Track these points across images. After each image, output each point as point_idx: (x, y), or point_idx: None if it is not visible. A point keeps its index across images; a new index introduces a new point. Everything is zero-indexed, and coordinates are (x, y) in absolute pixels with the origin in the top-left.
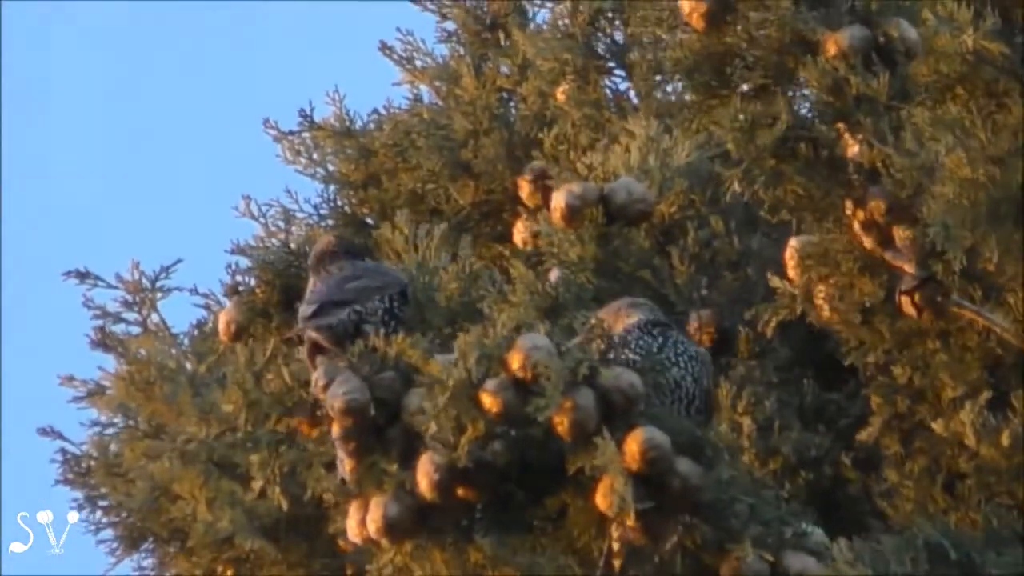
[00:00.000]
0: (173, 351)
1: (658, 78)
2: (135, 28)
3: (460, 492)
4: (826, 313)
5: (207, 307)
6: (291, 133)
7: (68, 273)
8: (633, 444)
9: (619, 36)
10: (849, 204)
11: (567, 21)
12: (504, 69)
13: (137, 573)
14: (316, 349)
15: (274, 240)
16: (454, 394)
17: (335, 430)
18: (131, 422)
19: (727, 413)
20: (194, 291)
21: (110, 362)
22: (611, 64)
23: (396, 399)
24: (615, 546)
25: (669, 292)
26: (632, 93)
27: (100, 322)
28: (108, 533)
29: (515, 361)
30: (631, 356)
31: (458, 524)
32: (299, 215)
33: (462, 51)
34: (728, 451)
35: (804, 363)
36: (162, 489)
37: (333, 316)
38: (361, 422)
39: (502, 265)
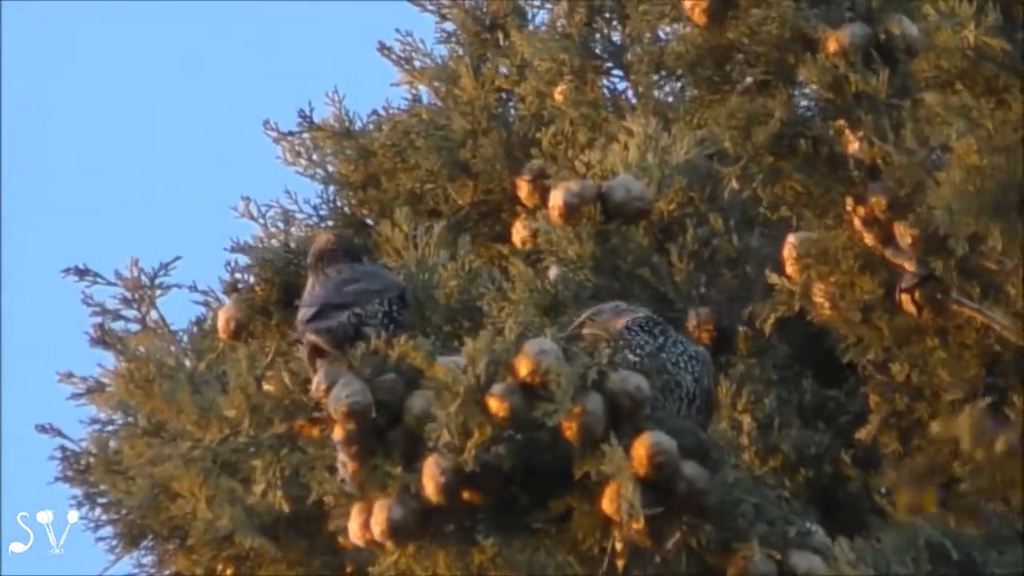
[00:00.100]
0: (172, 348)
1: (657, 77)
2: (135, 27)
3: (465, 495)
4: (826, 311)
5: (206, 304)
6: (291, 134)
7: (67, 270)
8: (641, 449)
9: (616, 36)
10: (849, 201)
11: (564, 21)
12: (503, 69)
13: (137, 570)
14: (316, 352)
15: (274, 241)
16: (463, 400)
17: (337, 433)
18: (130, 419)
19: (727, 411)
20: (193, 288)
21: (109, 359)
22: (608, 64)
23: (398, 401)
24: (618, 547)
25: (668, 290)
26: (630, 93)
27: (99, 319)
28: (107, 530)
29: (523, 366)
30: (631, 357)
31: (462, 526)
32: (299, 216)
33: (461, 52)
34: (729, 450)
35: (803, 361)
36: (162, 487)
37: (333, 319)
38: (363, 425)
39: (501, 264)
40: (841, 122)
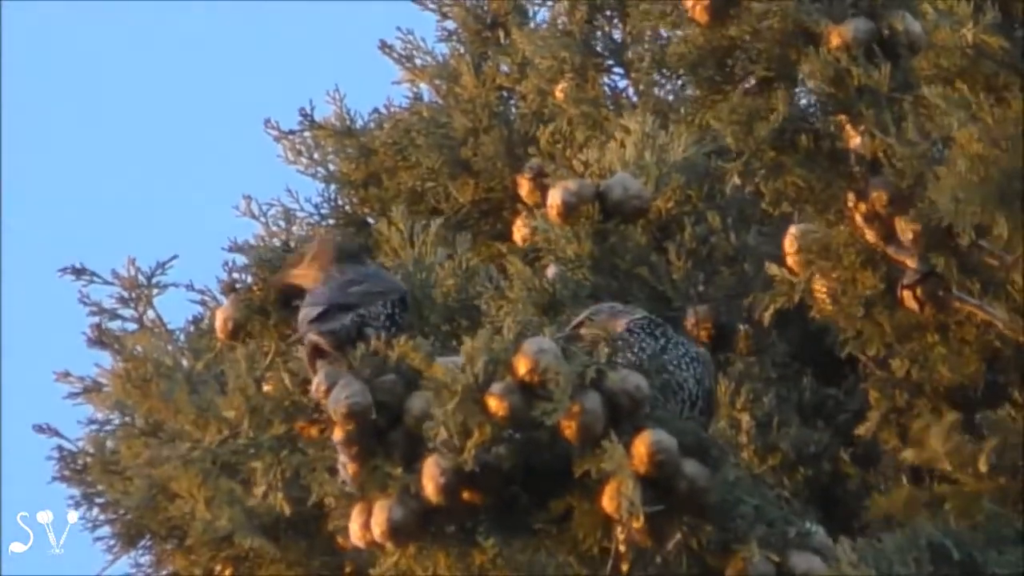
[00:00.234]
0: (169, 348)
1: (658, 76)
2: (134, 26)
3: (465, 495)
4: (827, 306)
5: (203, 303)
6: (292, 132)
7: (64, 269)
8: (641, 447)
9: (617, 34)
10: (851, 196)
11: (565, 19)
12: (504, 67)
13: (134, 570)
14: (316, 353)
15: (275, 240)
16: (461, 399)
17: (337, 434)
18: (128, 419)
19: (726, 409)
20: (190, 287)
21: (106, 359)
22: (609, 62)
23: (398, 402)
24: (621, 548)
25: (666, 288)
26: (631, 91)
27: (96, 319)
28: (105, 530)
29: (522, 365)
30: (631, 357)
31: (462, 527)
32: (300, 214)
33: (462, 50)
34: (729, 449)
35: (803, 359)
36: (160, 487)
37: (337, 321)
38: (363, 426)
39: (501, 263)
40: (843, 117)
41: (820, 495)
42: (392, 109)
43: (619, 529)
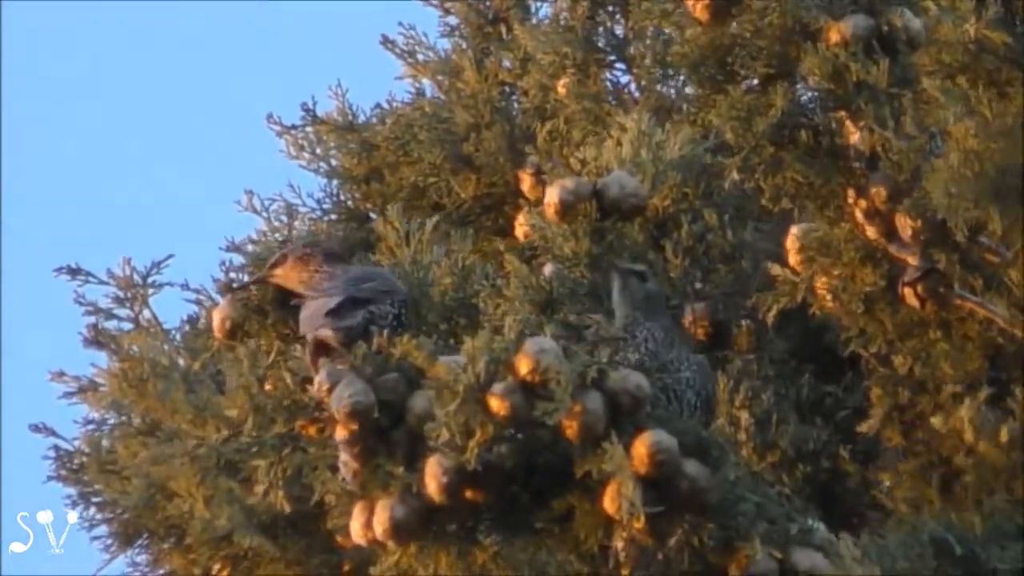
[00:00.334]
0: (166, 347)
1: (660, 73)
2: (135, 22)
3: (467, 494)
4: (828, 303)
5: (198, 303)
6: (294, 127)
7: (59, 269)
8: (641, 447)
9: (619, 30)
10: (851, 193)
11: (567, 15)
12: (506, 63)
13: (131, 569)
14: (319, 350)
15: (277, 235)
16: (463, 399)
17: (340, 433)
18: (124, 419)
19: (724, 407)
20: (185, 287)
21: (102, 359)
22: (611, 57)
23: (400, 401)
24: (619, 549)
25: (663, 286)
26: (633, 86)
27: (92, 319)
28: (102, 529)
29: (523, 365)
30: (632, 357)
31: (464, 526)
32: (302, 210)
33: (464, 45)
34: (730, 448)
35: (801, 357)
36: (158, 486)
37: (350, 318)
38: (366, 425)
39: (499, 260)
40: (842, 113)
41: (819, 492)
42: (394, 104)
43: (620, 531)
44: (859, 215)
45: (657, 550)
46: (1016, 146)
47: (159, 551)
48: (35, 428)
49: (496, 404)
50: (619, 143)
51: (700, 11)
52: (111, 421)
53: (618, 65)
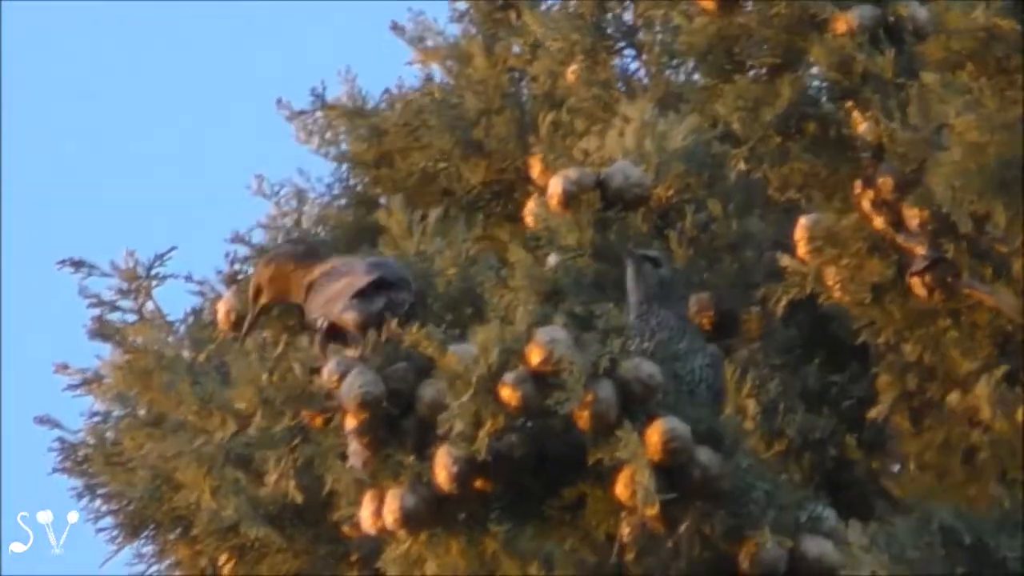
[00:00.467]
0: (170, 339)
1: (667, 62)
2: (141, 6)
3: (477, 483)
4: (836, 293)
5: (202, 294)
6: (303, 112)
7: (63, 262)
8: (655, 435)
9: (628, 16)
10: (858, 184)
11: (576, 1)
12: (515, 48)
13: (136, 560)
14: (329, 336)
15: (286, 220)
16: (475, 389)
17: (350, 423)
18: (129, 411)
19: (732, 396)
20: (189, 279)
21: (107, 351)
22: (621, 44)
23: (410, 390)
24: (626, 535)
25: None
26: (642, 73)
27: (97, 311)
28: (107, 521)
29: (535, 355)
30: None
31: (474, 514)
32: (311, 194)
33: (473, 31)
34: (741, 435)
35: (807, 346)
36: (164, 477)
37: (375, 302)
38: (376, 415)
39: (504, 247)
40: (849, 103)
41: (826, 481)
42: (403, 90)
43: (628, 519)
44: (866, 205)
45: (667, 538)
46: (1017, 139)
47: (165, 542)
48: (40, 420)
49: (508, 394)
50: (622, 133)
51: (707, 0)
52: (116, 413)
53: (627, 52)
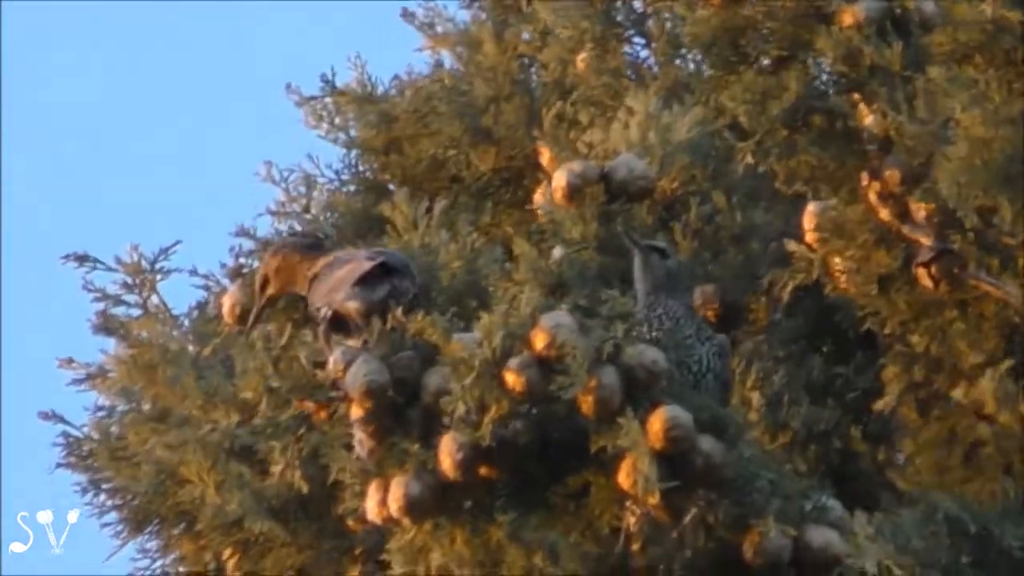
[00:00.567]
0: (175, 333)
1: (672, 54)
2: None
3: (482, 471)
4: (842, 284)
5: (207, 288)
6: (313, 98)
7: (67, 256)
8: (656, 423)
9: (638, 4)
10: (864, 176)
11: None
12: (525, 35)
13: (140, 555)
14: (334, 326)
15: (295, 205)
16: (478, 374)
17: (355, 412)
18: (133, 405)
19: (736, 388)
20: (193, 272)
21: (111, 345)
22: (630, 32)
23: (415, 378)
24: (631, 525)
25: None
26: (652, 61)
27: (101, 305)
28: (112, 516)
29: (539, 340)
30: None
31: (479, 502)
32: (320, 180)
33: (483, 17)
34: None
35: (812, 338)
36: (168, 472)
37: (378, 290)
38: (381, 403)
39: (510, 243)
40: (856, 96)
41: (831, 473)
42: (413, 76)
43: (630, 507)
44: (873, 197)
45: (672, 527)
46: (1021, 133)
47: (169, 537)
48: (44, 415)
49: (512, 379)
50: (627, 126)
51: None
52: (120, 408)
53: (637, 40)
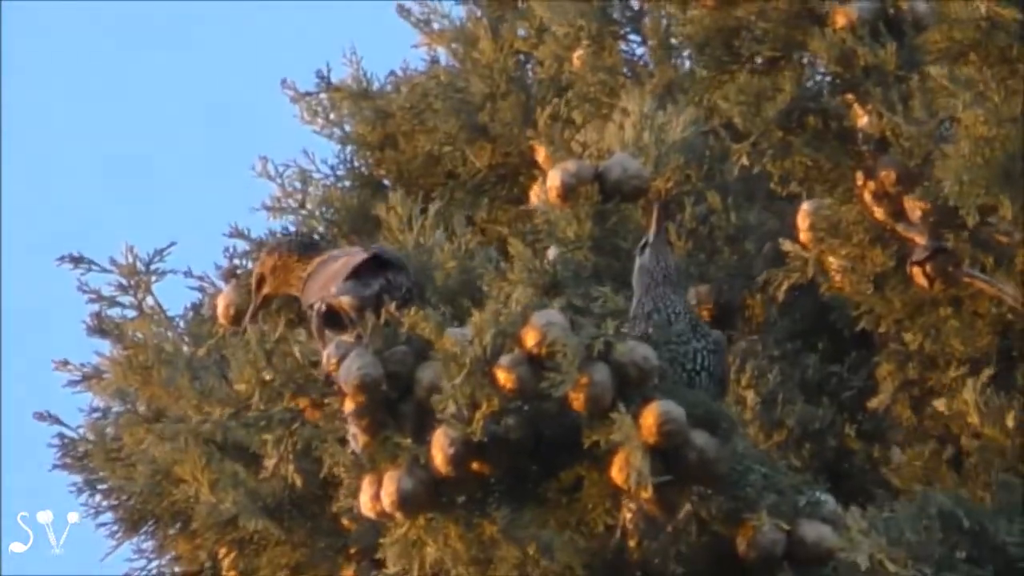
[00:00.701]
0: (170, 334)
1: (664, 54)
2: None
3: (475, 466)
4: (838, 282)
5: (201, 289)
6: (308, 94)
7: (62, 258)
8: (649, 417)
9: (634, 1)
10: (859, 175)
11: None
12: (521, 32)
13: (136, 556)
14: (326, 321)
15: (290, 200)
16: (470, 371)
17: (348, 406)
18: (129, 406)
19: (731, 387)
20: (188, 274)
21: (106, 347)
22: (626, 30)
23: (408, 373)
24: (627, 520)
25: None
26: (648, 59)
27: (96, 307)
28: (107, 517)
29: (530, 337)
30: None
31: (472, 497)
32: (316, 176)
33: (479, 13)
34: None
35: (807, 337)
36: (164, 472)
37: (370, 286)
38: (374, 398)
39: (505, 243)
40: (850, 96)
41: (826, 471)
42: (409, 72)
43: (626, 503)
44: (867, 197)
45: (666, 522)
46: (1020, 132)
47: (165, 537)
48: (39, 416)
49: (503, 376)
50: (622, 126)
51: None
52: (116, 409)
53: (633, 37)
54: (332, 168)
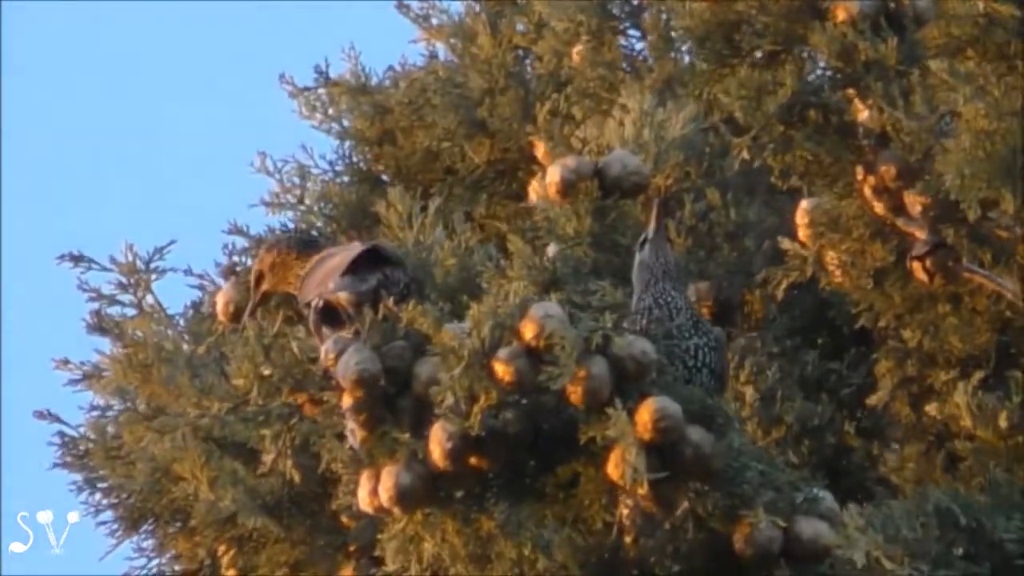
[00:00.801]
0: (170, 332)
1: (664, 48)
2: None
3: (473, 461)
4: (837, 278)
5: (201, 287)
6: (307, 89)
7: (62, 257)
8: (645, 413)
9: None
10: (860, 170)
11: None
12: (520, 27)
13: (137, 554)
14: (324, 317)
15: (289, 196)
16: (468, 364)
17: (346, 401)
18: (129, 404)
19: (730, 383)
20: (188, 272)
21: (105, 345)
22: (626, 25)
23: (407, 368)
24: (623, 516)
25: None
26: (648, 54)
27: (96, 305)
28: (108, 515)
29: (528, 330)
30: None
31: (470, 492)
32: (314, 171)
33: (478, 9)
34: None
35: (805, 333)
36: (163, 470)
37: (367, 281)
38: (373, 393)
39: (504, 240)
40: (851, 91)
41: (825, 468)
42: (407, 67)
43: (623, 499)
44: (868, 191)
45: (663, 519)
46: (1020, 126)
47: (164, 535)
48: (40, 415)
49: (501, 369)
50: (621, 123)
51: None
52: (116, 407)
53: (632, 32)
54: (331, 164)
